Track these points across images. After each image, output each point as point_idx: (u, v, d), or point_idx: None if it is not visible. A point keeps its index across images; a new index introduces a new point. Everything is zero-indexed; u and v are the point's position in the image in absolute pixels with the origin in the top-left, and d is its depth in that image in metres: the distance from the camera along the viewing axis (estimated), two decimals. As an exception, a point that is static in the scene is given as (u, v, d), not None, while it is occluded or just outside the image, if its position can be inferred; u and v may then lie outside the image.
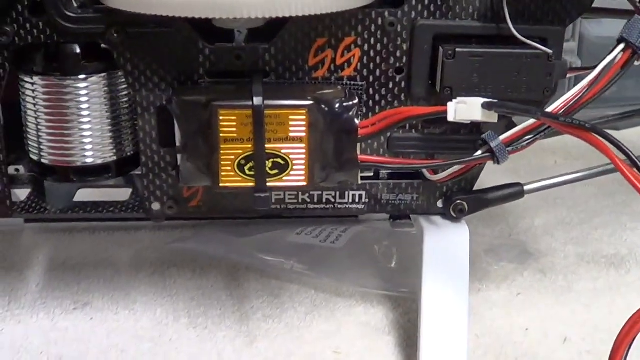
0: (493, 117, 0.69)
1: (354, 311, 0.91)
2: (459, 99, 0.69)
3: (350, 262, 0.97)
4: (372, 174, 0.79)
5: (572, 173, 0.87)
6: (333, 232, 1.01)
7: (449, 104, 0.69)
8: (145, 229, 1.05)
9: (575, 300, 0.94)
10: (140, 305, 0.90)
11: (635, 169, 0.60)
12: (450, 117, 0.69)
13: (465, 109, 0.69)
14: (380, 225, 1.04)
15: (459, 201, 0.79)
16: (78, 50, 0.72)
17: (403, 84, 0.75)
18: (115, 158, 0.76)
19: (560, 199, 1.17)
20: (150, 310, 0.90)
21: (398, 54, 0.73)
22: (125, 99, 0.75)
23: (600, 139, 0.61)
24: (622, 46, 0.70)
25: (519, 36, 0.71)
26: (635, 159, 0.60)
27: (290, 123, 0.69)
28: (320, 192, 0.78)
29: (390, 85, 0.75)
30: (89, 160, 0.75)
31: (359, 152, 0.72)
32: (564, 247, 1.06)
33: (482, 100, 0.68)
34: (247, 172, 0.70)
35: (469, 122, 0.70)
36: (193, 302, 0.91)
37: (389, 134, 0.76)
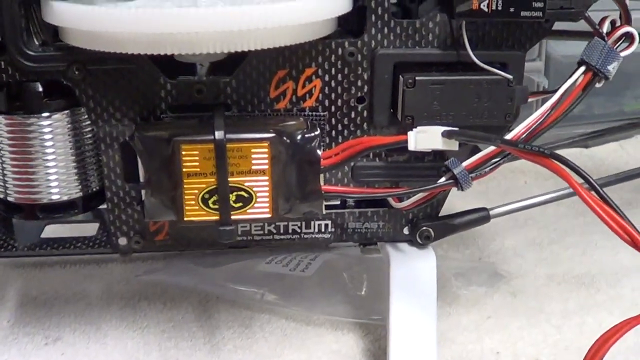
0: (454, 145, 0.69)
1: (325, 339, 0.91)
2: (419, 128, 0.70)
3: (320, 290, 0.97)
4: (337, 203, 0.80)
5: (537, 196, 0.88)
6: (302, 260, 1.01)
7: (409, 133, 0.70)
8: (115, 261, 1.05)
9: (545, 321, 0.94)
10: (111, 339, 0.90)
11: (594, 193, 0.61)
12: (411, 147, 0.70)
13: (426, 138, 0.69)
14: (350, 252, 1.04)
15: (424, 228, 0.80)
16: (40, 89, 0.72)
17: (365, 113, 0.75)
18: (81, 194, 0.76)
19: (531, 219, 1.18)
20: (121, 343, 0.90)
21: (359, 84, 0.74)
22: (89, 135, 0.75)
23: (559, 164, 0.62)
24: (582, 69, 0.71)
25: (478, 62, 0.71)
26: (594, 183, 0.61)
27: (253, 156, 0.69)
28: (286, 223, 0.79)
29: (353, 115, 0.75)
30: (55, 197, 0.75)
31: (322, 183, 0.73)
32: (535, 268, 1.06)
33: (442, 128, 0.69)
34: (211, 205, 0.70)
35: (430, 150, 0.70)
36: (164, 335, 0.91)
37: (352, 164, 0.77)
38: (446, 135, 0.68)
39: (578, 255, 1.10)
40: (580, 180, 0.63)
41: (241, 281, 0.98)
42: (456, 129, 0.69)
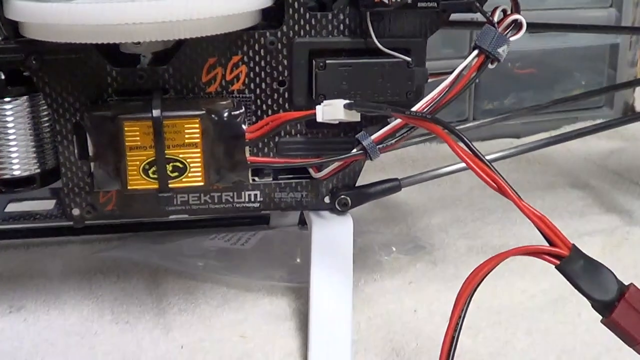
0: (355, 116, 0.79)
1: (261, 302, 1.00)
2: (325, 102, 0.79)
3: (258, 260, 1.06)
4: (270, 179, 0.89)
5: (446, 166, 0.98)
6: (243, 236, 1.11)
7: (317, 107, 0.79)
8: (74, 243, 1.14)
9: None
10: (69, 307, 0.99)
11: (470, 152, 0.69)
12: (319, 118, 0.79)
13: (331, 110, 0.79)
14: (288, 229, 1.14)
15: (342, 196, 0.89)
16: (3, 77, 0.81)
17: (286, 94, 0.84)
18: (39, 170, 0.85)
19: (458, 200, 1.28)
20: (78, 310, 0.98)
21: (280, 69, 0.84)
22: (46, 118, 0.84)
23: (438, 126, 0.71)
24: (476, 52, 0.80)
25: (381, 47, 0.81)
26: (467, 140, 0.69)
27: (186, 131, 0.79)
28: (219, 193, 0.87)
29: (275, 96, 0.85)
30: (16, 173, 0.83)
31: (248, 155, 0.82)
32: (456, 242, 1.15)
33: (344, 101, 0.78)
34: (151, 175, 0.79)
35: (337, 121, 0.80)
36: (116, 302, 1.00)
37: (277, 139, 0.86)
38: (347, 107, 0.78)
39: (497, 230, 1.19)
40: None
41: (187, 255, 1.07)
42: (353, 101, 0.79)
